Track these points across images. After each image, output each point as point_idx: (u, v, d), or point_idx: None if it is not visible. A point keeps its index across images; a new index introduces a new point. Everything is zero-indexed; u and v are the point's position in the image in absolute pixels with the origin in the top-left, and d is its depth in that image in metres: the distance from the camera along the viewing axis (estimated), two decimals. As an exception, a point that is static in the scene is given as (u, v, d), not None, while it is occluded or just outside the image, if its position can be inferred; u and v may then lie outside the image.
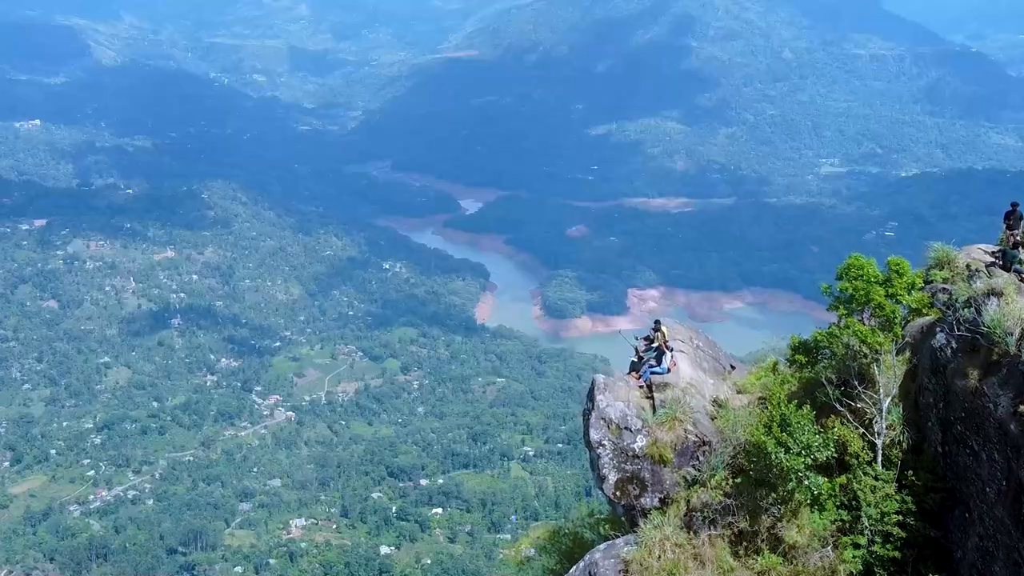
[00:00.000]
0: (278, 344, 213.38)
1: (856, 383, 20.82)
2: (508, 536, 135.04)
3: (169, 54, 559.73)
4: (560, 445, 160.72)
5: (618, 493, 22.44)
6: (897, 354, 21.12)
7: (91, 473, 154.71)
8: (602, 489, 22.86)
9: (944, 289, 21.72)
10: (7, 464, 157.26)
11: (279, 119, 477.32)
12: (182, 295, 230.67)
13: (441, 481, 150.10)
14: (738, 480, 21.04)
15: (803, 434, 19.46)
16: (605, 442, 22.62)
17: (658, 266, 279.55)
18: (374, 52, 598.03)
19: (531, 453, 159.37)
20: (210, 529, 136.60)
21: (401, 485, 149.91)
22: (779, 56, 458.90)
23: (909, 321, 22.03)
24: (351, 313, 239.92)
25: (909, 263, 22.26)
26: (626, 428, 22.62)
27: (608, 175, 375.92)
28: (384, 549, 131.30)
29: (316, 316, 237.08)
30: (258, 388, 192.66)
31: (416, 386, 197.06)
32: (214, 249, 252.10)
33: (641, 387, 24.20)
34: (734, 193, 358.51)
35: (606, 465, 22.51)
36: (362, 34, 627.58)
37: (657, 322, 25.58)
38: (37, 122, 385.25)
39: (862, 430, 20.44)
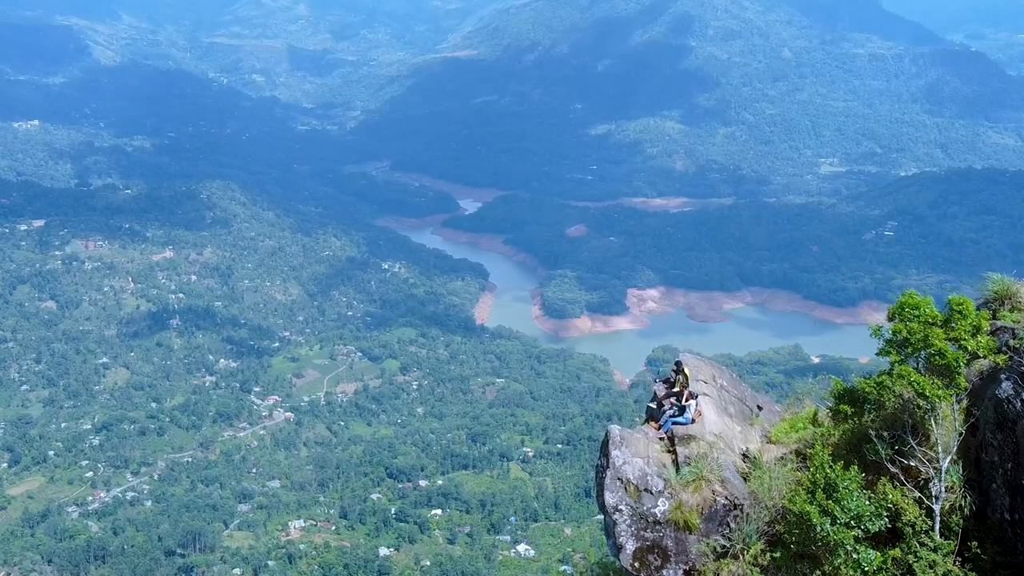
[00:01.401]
0: (277, 345, 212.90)
1: (909, 437, 18.45)
2: (507, 537, 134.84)
3: (168, 54, 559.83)
4: (559, 446, 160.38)
5: (637, 564, 19.76)
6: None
7: (89, 474, 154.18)
8: (618, 559, 20.30)
9: (1011, 331, 19.18)
10: (5, 465, 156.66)
11: (278, 119, 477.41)
12: (181, 295, 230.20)
13: (440, 482, 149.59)
14: (776, 553, 18.62)
15: (852, 501, 17.22)
16: (622, 506, 20.03)
17: (658, 266, 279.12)
18: (373, 52, 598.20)
19: (530, 454, 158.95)
20: (208, 531, 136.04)
21: (400, 486, 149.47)
22: (778, 56, 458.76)
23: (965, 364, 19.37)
24: (350, 313, 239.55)
25: (972, 302, 19.64)
26: (646, 490, 20.10)
27: (608, 175, 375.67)
28: (383, 550, 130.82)
29: (315, 316, 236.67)
30: (257, 389, 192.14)
31: (415, 386, 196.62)
32: (213, 249, 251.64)
33: (662, 439, 21.70)
34: (734, 193, 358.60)
35: (623, 532, 19.87)
36: (361, 34, 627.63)
37: (678, 363, 23.05)
38: (36, 122, 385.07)
39: (917, 493, 18.15)
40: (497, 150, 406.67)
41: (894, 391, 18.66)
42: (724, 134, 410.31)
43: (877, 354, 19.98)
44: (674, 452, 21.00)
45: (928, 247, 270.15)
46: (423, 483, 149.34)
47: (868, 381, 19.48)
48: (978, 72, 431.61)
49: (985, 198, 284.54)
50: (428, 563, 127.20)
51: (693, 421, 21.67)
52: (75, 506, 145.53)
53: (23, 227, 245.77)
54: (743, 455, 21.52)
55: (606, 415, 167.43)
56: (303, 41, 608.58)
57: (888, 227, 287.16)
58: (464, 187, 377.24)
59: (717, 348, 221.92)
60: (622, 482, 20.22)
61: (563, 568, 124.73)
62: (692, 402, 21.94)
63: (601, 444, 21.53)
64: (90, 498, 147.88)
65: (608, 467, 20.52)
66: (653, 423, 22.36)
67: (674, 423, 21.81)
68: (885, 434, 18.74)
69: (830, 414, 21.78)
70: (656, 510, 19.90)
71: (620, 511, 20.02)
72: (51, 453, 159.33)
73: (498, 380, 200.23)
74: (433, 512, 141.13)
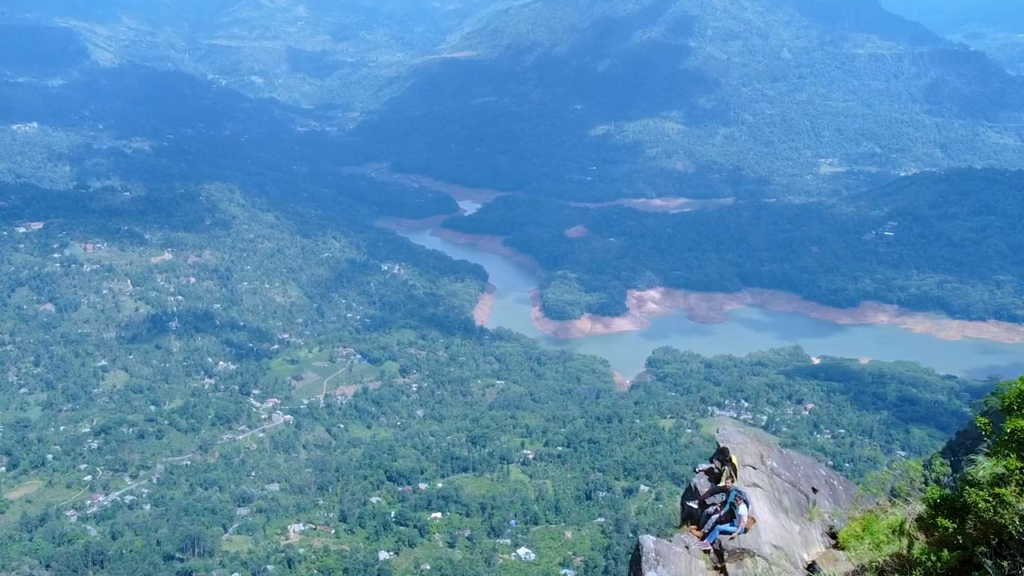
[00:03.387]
0: (276, 347, 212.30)
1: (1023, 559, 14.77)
2: (508, 541, 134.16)
3: (167, 56, 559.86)
4: (560, 448, 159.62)
5: None
6: None
7: (88, 478, 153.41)
8: None
9: None
10: (3, 469, 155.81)
11: (277, 120, 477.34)
12: (179, 298, 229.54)
13: (440, 485, 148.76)
14: None
15: None
16: None
17: (658, 267, 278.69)
18: (372, 53, 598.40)
19: (531, 456, 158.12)
20: (207, 535, 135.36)
21: (400, 489, 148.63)
22: (778, 56, 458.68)
23: None
24: (349, 315, 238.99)
25: None
26: None
27: (607, 175, 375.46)
28: (383, 554, 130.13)
29: (314, 318, 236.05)
30: (256, 391, 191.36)
31: (415, 389, 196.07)
32: (212, 251, 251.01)
33: (707, 551, 18.01)
34: (734, 193, 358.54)
35: None
36: (360, 35, 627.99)
37: (724, 451, 19.31)
38: (34, 124, 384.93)
39: None
40: (496, 151, 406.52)
41: (1016, 508, 14.52)
42: (724, 134, 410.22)
43: (986, 454, 16.49)
44: (724, 571, 17.06)
45: (928, 247, 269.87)
46: (423, 486, 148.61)
47: (980, 493, 15.31)
48: (978, 72, 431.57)
49: (985, 198, 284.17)
50: (428, 567, 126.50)
51: (746, 530, 18.11)
52: (73, 510, 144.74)
53: (22, 229, 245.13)
54: (809, 570, 17.47)
55: (607, 417, 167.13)
56: (302, 42, 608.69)
57: (888, 227, 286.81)
58: (463, 188, 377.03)
59: (718, 349, 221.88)
60: None
61: (564, 572, 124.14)
62: (743, 507, 18.20)
63: (630, 561, 17.22)
64: (88, 502, 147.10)
65: None
66: (694, 528, 18.67)
67: (722, 532, 18.20)
68: (1005, 564, 14.60)
69: (918, 523, 17.60)
70: None
71: None
72: (49, 456, 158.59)
73: (498, 382, 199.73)
74: (433, 515, 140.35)
